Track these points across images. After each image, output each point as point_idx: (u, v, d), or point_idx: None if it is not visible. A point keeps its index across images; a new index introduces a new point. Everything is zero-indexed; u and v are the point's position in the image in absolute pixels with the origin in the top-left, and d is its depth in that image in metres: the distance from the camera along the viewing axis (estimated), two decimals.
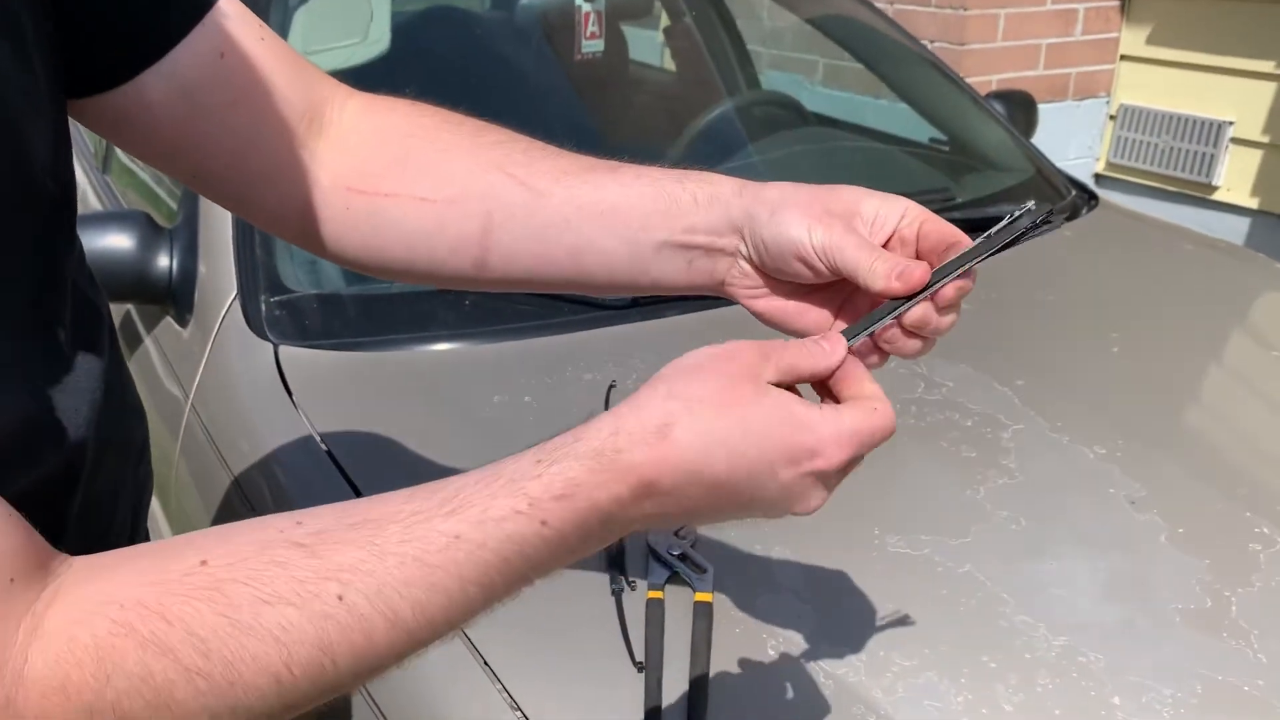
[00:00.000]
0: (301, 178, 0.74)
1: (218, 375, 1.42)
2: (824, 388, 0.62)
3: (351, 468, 1.16)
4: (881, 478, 1.16)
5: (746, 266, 0.70)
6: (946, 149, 2.16)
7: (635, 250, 0.70)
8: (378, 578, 0.50)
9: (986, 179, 2.03)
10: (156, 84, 0.68)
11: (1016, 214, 0.66)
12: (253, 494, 1.25)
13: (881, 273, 0.63)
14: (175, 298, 1.54)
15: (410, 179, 0.73)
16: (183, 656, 0.46)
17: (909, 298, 0.64)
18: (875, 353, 0.66)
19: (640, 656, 0.93)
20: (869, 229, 0.67)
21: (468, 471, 0.54)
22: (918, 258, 0.67)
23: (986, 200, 1.86)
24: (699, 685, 0.90)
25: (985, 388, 1.30)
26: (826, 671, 0.92)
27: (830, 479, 0.57)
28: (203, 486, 1.40)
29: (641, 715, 0.88)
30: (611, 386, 1.26)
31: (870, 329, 0.65)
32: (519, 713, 0.88)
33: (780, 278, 0.68)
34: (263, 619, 0.48)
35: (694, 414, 0.54)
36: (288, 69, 0.73)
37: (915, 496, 1.14)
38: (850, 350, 0.63)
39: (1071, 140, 4.07)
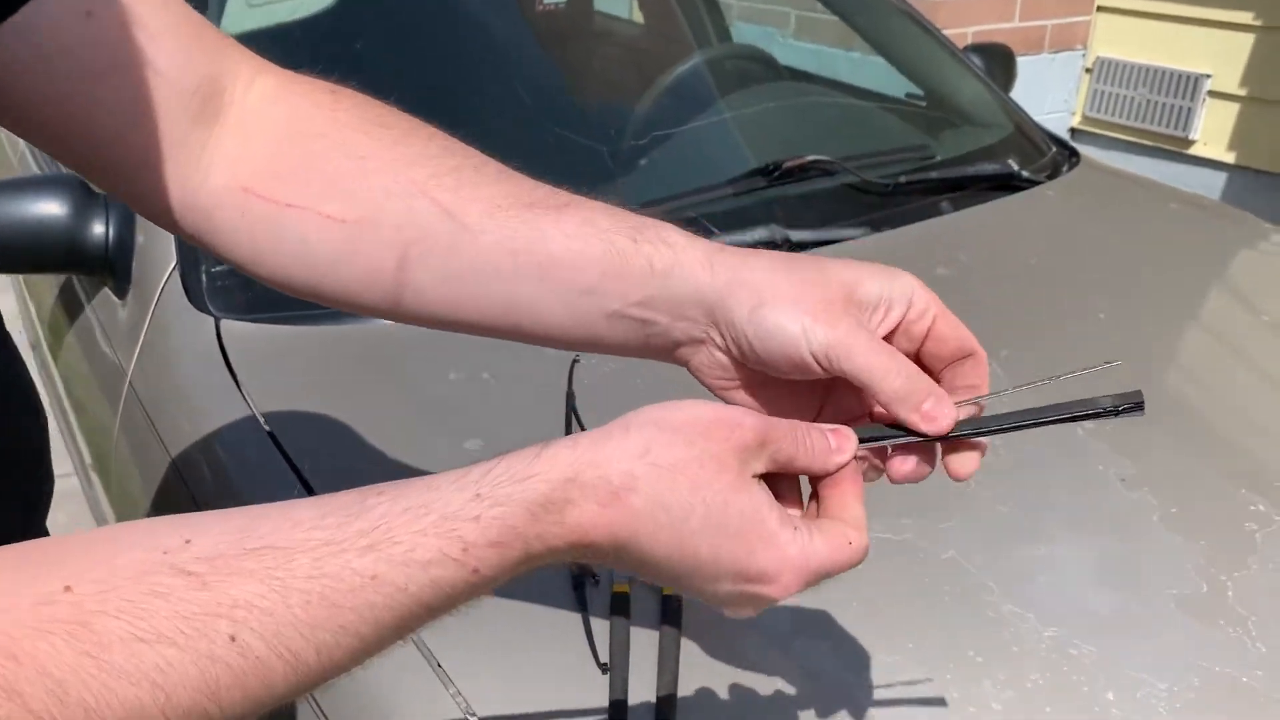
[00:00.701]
0: (190, 170, 0.62)
1: (157, 350, 1.34)
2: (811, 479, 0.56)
3: (295, 450, 1.09)
4: None
5: (722, 358, 0.60)
6: (923, 104, 2.09)
7: (581, 317, 0.60)
8: (278, 618, 0.43)
9: (965, 135, 1.95)
10: (8, 44, 0.57)
11: (1101, 404, 0.58)
12: (192, 476, 1.17)
13: (906, 399, 0.55)
14: (112, 268, 1.45)
15: (317, 190, 0.62)
16: (32, 700, 0.39)
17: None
18: (874, 467, 0.59)
19: (605, 657, 0.86)
20: (871, 320, 0.58)
21: (387, 488, 0.47)
22: (917, 359, 0.59)
23: (966, 158, 1.79)
24: (667, 686, 0.84)
25: None
26: (804, 670, 0.87)
27: (773, 602, 0.52)
28: (142, 465, 1.32)
29: (606, 714, 0.82)
30: (575, 362, 1.19)
31: (885, 441, 0.57)
32: (474, 718, 0.82)
33: (765, 373, 0.59)
34: (137, 660, 0.41)
35: (659, 483, 0.48)
36: (179, 34, 0.61)
37: None
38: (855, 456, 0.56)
39: (1047, 94, 4.00)
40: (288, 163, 0.63)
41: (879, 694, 0.85)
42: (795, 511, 0.56)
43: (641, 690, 0.84)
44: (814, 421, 0.59)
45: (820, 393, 0.61)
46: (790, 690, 0.85)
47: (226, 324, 1.29)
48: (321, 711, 0.89)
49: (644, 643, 0.88)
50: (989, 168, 1.73)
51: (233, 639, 0.42)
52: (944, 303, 0.59)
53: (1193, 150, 3.85)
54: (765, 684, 0.86)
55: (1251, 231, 1.74)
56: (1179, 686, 0.87)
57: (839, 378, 0.58)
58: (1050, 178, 1.80)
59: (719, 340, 0.59)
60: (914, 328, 0.58)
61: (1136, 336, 1.36)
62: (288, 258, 0.63)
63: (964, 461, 0.58)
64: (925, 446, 0.58)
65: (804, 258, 0.60)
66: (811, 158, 1.61)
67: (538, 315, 0.60)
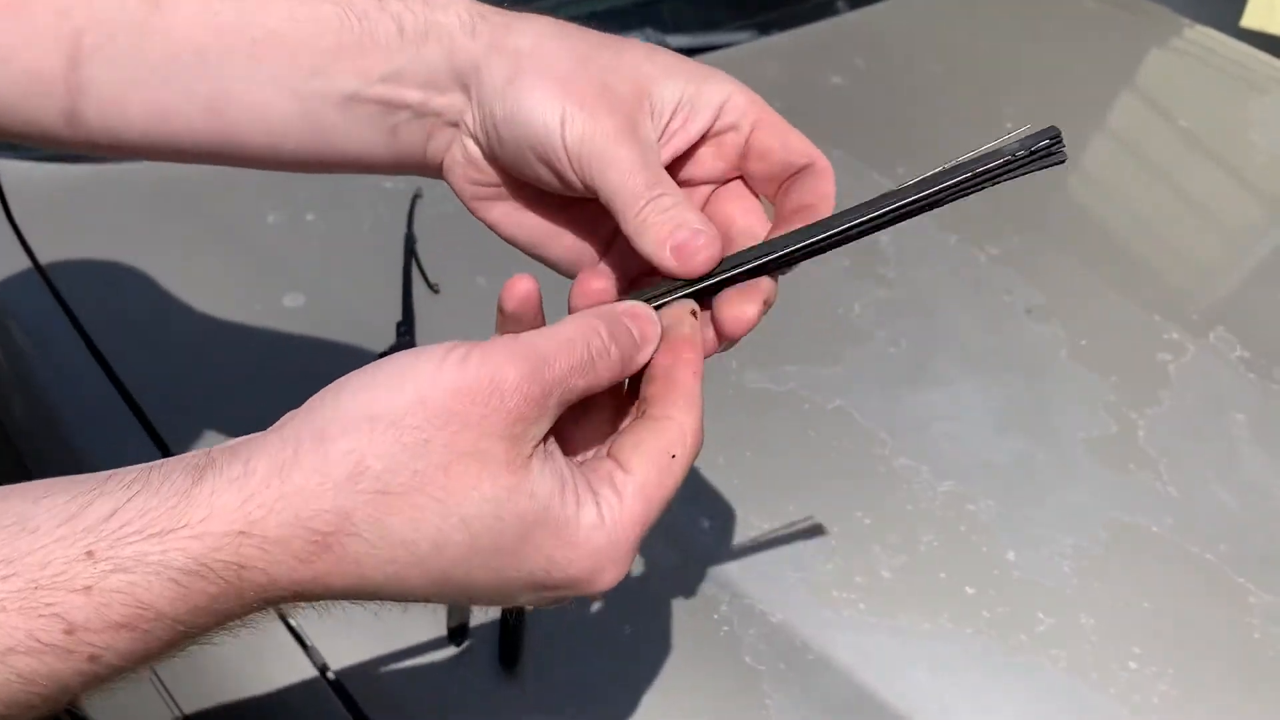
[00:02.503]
0: None
1: None
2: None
3: (85, 314, 0.93)
4: None
5: (475, 150, 0.45)
6: None
7: (309, 107, 0.45)
8: None
9: None
10: None
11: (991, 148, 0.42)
12: None
13: (653, 232, 0.41)
14: None
15: None
16: None
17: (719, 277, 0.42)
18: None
19: None
20: (661, 127, 0.44)
21: None
22: (747, 187, 0.46)
23: None
24: None
25: (860, 178, 1.10)
26: (672, 544, 0.76)
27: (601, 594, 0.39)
28: None
29: (445, 614, 0.71)
30: (417, 196, 1.03)
31: (669, 298, 0.42)
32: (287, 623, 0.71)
33: (521, 177, 0.45)
34: None
35: (390, 516, 0.34)
36: None
37: (777, 319, 0.95)
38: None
39: None
40: None
41: (754, 568, 0.75)
42: (599, 448, 0.42)
43: None
44: (600, 260, 0.46)
45: (605, 216, 0.45)
46: (654, 568, 0.75)
47: (6, 164, 1.09)
48: (163, 685, 0.76)
49: None
50: None
51: None
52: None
53: None
54: None
55: (1167, 28, 1.61)
56: (1085, 541, 0.79)
57: None
58: None
59: (470, 123, 0.45)
60: (725, 142, 0.45)
61: None
62: None
63: (731, 306, 0.42)
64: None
65: (598, 33, 0.45)
66: None
67: (255, 114, 0.45)
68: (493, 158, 0.45)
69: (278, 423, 0.35)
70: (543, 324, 0.41)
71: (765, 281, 0.42)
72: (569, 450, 0.41)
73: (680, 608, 0.73)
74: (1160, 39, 1.59)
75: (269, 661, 0.70)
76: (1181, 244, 1.12)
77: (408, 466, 0.33)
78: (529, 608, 0.38)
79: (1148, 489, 0.83)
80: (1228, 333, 0.97)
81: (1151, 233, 1.14)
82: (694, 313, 0.42)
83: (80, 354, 0.91)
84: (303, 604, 0.35)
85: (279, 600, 0.34)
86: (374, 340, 0.89)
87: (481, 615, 0.71)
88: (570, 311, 0.42)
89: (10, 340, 0.99)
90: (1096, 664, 0.71)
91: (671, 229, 0.41)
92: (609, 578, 0.37)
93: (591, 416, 0.42)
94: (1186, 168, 1.26)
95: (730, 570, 0.75)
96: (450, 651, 0.70)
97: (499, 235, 0.48)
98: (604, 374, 0.38)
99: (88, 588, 0.31)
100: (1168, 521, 0.81)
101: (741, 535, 0.77)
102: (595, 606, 0.73)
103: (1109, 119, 1.35)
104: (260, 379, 0.87)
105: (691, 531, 0.77)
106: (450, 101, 0.45)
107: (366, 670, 0.69)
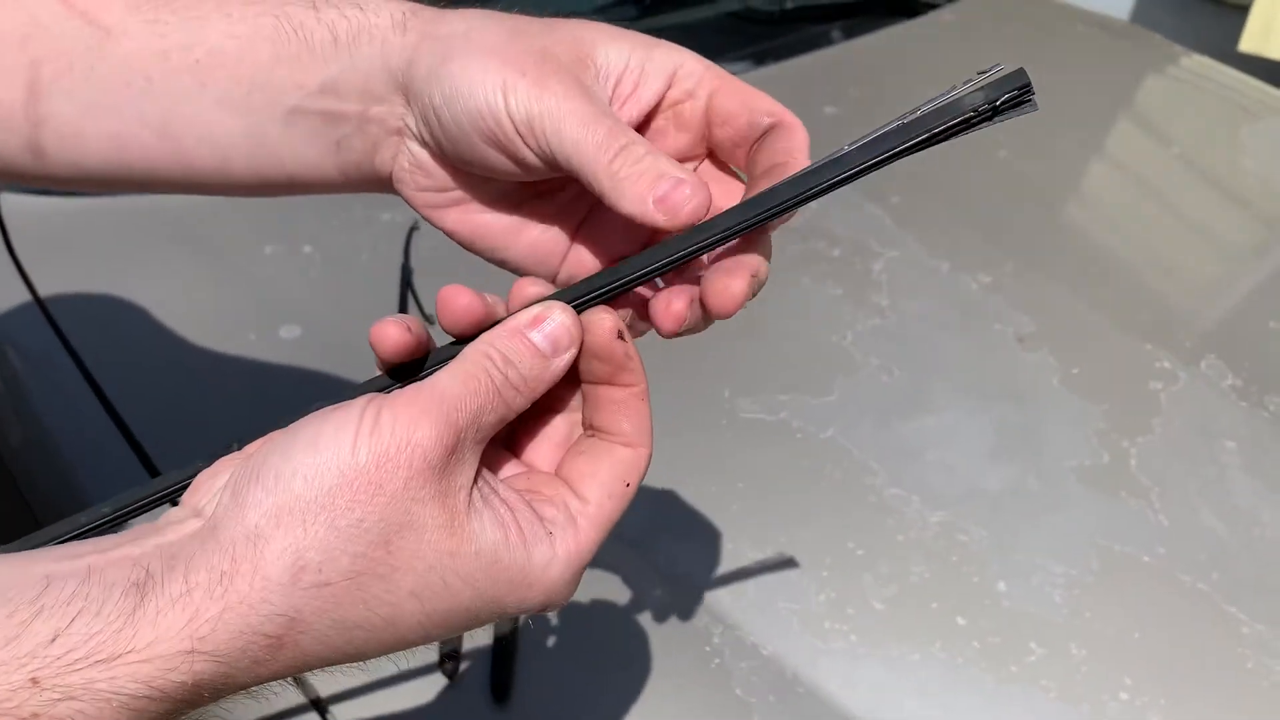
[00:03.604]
0: None
1: None
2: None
3: (83, 344, 0.94)
4: (731, 328, 0.98)
5: (421, 153, 0.43)
6: None
7: (253, 123, 0.44)
8: None
9: None
10: None
11: (956, 92, 0.38)
12: None
13: (631, 187, 0.38)
14: None
15: None
16: None
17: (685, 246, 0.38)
18: (641, 317, 0.42)
19: None
20: (609, 91, 0.41)
21: None
22: (709, 156, 0.44)
23: None
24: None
25: (854, 207, 1.11)
26: (664, 576, 0.76)
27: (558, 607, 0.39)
28: None
29: (436, 646, 0.71)
30: (414, 229, 1.04)
31: (620, 283, 0.39)
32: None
33: (473, 171, 0.43)
34: None
35: (337, 608, 0.33)
36: None
37: (771, 349, 0.96)
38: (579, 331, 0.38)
39: None
40: None
41: (746, 599, 0.75)
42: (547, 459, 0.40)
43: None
44: (565, 255, 0.44)
45: (576, 211, 0.44)
46: (648, 600, 0.75)
47: (8, 198, 1.11)
48: None
49: None
50: None
51: None
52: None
53: None
54: (620, 593, 0.75)
55: (1162, 55, 1.62)
56: (1077, 570, 0.79)
57: (577, 186, 0.41)
58: (950, 0, 1.65)
59: (413, 125, 0.43)
60: (684, 113, 0.43)
61: (1038, 175, 1.24)
62: None
63: (715, 283, 0.38)
64: (695, 274, 0.40)
65: (529, 18, 0.43)
66: None
67: (203, 135, 0.44)
68: (441, 156, 0.43)
69: (220, 482, 0.35)
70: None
71: (751, 257, 0.39)
72: (517, 450, 0.41)
73: (672, 640, 0.73)
74: (1154, 66, 1.60)
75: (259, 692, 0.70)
76: (1173, 272, 1.13)
77: (346, 552, 0.33)
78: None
79: (1139, 518, 0.83)
80: (1219, 361, 0.97)
81: (1143, 261, 1.14)
82: (620, 334, 0.38)
83: (77, 384, 0.91)
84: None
85: (239, 693, 0.34)
86: (370, 372, 0.89)
87: (474, 645, 0.71)
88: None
89: (9, 369, 0.99)
90: (1088, 694, 0.71)
91: (652, 180, 0.38)
92: (561, 599, 0.37)
93: (538, 422, 0.41)
94: (1178, 195, 1.27)
95: (722, 602, 0.75)
96: (442, 683, 0.70)
97: (459, 243, 0.46)
98: (514, 399, 0.37)
99: (35, 715, 0.30)
100: (1159, 550, 0.81)
101: (733, 566, 0.77)
102: (587, 637, 0.73)
103: (1101, 148, 1.36)
104: (257, 410, 0.87)
105: (683, 563, 0.77)
106: (390, 109, 0.43)
107: (359, 702, 0.70)
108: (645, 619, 0.74)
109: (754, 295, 0.39)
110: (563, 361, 0.38)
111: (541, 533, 0.36)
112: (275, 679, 0.34)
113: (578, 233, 0.45)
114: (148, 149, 0.45)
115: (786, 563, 0.78)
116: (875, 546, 0.80)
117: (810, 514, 0.82)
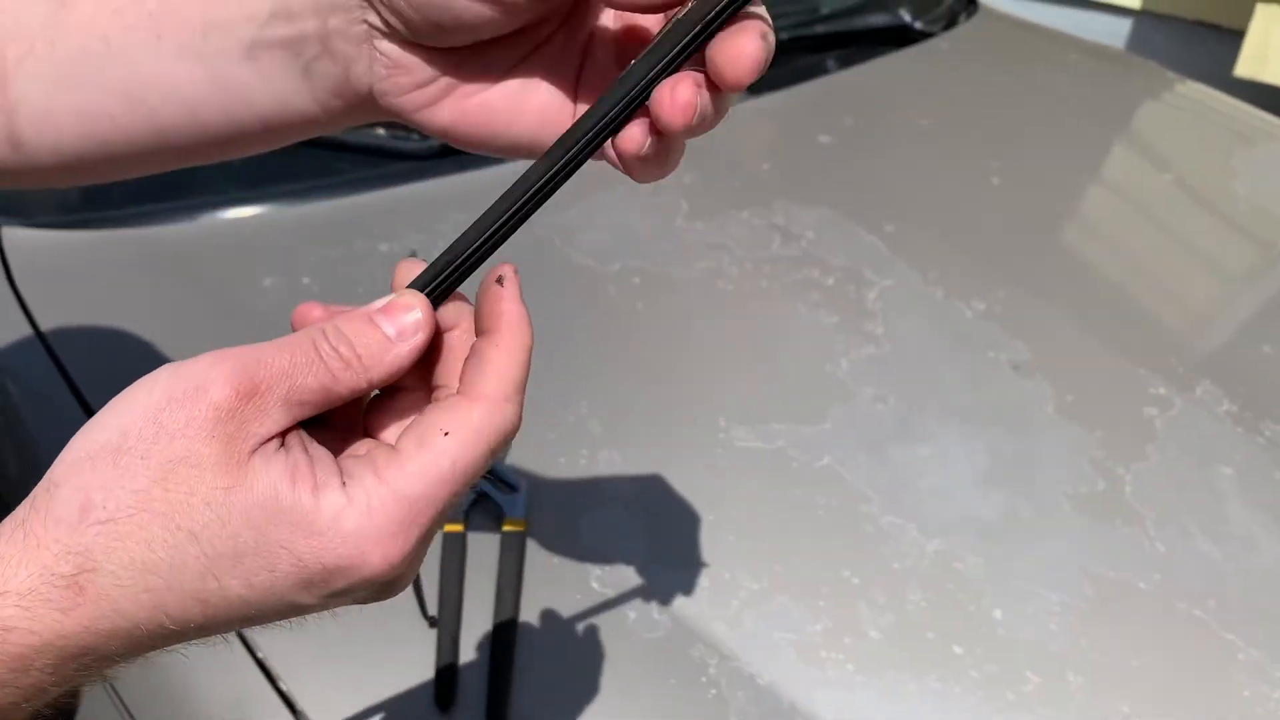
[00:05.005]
0: None
1: None
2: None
3: (83, 377, 0.94)
4: (727, 356, 0.99)
5: (392, 49, 0.41)
6: None
7: (215, 69, 0.42)
8: None
9: None
10: None
11: None
12: None
13: None
14: None
15: None
16: None
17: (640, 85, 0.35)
18: (611, 161, 0.39)
19: (433, 610, 0.75)
20: None
21: None
22: None
23: (854, 10, 1.64)
24: (504, 638, 0.74)
25: (849, 236, 1.12)
26: (661, 605, 0.77)
27: (392, 581, 0.36)
28: None
29: (432, 676, 0.71)
30: (412, 254, 1.05)
31: (524, 203, 0.37)
32: (277, 687, 0.71)
33: (452, 42, 0.40)
34: None
35: (125, 544, 0.33)
36: None
37: (766, 377, 0.96)
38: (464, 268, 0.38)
39: None
40: None
41: (744, 628, 0.75)
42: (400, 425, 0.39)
43: (474, 643, 0.73)
44: (575, 117, 0.41)
45: (570, 66, 0.42)
46: (641, 633, 0.75)
47: (9, 231, 1.11)
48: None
49: (481, 585, 0.76)
50: (878, 19, 1.59)
51: None
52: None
53: None
54: (617, 622, 0.75)
55: (1156, 83, 1.63)
56: (1072, 597, 0.79)
57: (589, 41, 0.40)
58: (946, 28, 1.66)
59: (379, 20, 0.40)
60: None
61: (1032, 203, 1.25)
62: None
63: (735, 37, 0.35)
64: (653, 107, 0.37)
65: None
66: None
67: (168, 91, 0.43)
68: (415, 42, 0.41)
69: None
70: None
71: (753, 20, 0.35)
72: (375, 432, 0.40)
73: (668, 670, 0.73)
74: (1149, 93, 1.61)
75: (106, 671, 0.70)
76: (1168, 298, 1.13)
77: (127, 488, 0.34)
78: (333, 612, 0.37)
79: (1135, 545, 0.83)
80: (1214, 386, 0.98)
81: (1138, 288, 1.15)
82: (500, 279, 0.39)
83: (77, 417, 0.92)
84: (100, 670, 0.35)
85: (70, 665, 0.34)
86: None
87: (469, 672, 0.71)
88: None
89: (8, 401, 1.00)
90: None
91: None
92: (377, 559, 0.35)
93: (411, 409, 0.40)
94: (1174, 222, 1.27)
95: (718, 632, 0.75)
96: (438, 715, 0.70)
97: (458, 143, 0.43)
98: (342, 372, 0.36)
99: None
100: (1155, 577, 0.81)
101: (729, 596, 0.77)
102: (584, 667, 0.73)
103: (1096, 175, 1.37)
104: None
105: (679, 592, 0.77)
106: (347, 14, 0.41)
107: None
108: (642, 649, 0.74)
109: (767, 63, 0.35)
110: (407, 346, 0.38)
111: (335, 482, 0.35)
112: (86, 647, 0.34)
113: (578, 90, 0.42)
114: (116, 119, 0.44)
115: (782, 592, 0.78)
116: (871, 575, 0.80)
117: (806, 543, 0.82)
